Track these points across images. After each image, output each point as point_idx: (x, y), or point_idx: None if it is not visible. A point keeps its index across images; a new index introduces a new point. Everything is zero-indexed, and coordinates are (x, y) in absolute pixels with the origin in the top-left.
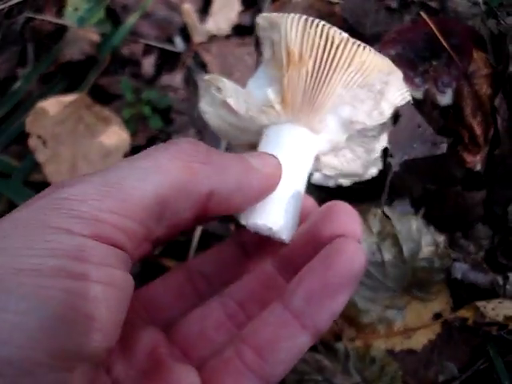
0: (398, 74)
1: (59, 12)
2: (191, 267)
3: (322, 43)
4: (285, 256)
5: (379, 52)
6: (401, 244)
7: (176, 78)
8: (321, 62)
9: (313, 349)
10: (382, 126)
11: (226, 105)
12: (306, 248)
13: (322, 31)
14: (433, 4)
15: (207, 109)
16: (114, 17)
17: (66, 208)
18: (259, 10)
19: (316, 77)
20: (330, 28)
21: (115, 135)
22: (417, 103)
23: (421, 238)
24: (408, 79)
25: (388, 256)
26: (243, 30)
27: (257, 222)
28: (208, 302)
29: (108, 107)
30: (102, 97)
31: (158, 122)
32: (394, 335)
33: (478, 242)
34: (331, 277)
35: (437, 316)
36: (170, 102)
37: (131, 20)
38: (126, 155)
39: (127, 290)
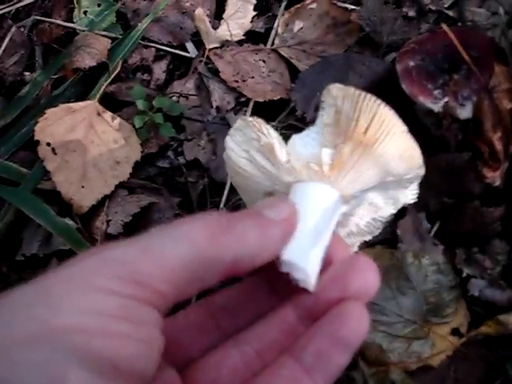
0: (422, 171)
1: (68, 15)
2: (214, 301)
3: (386, 129)
4: (308, 305)
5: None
6: (405, 272)
7: (188, 84)
8: (380, 144)
9: None
10: None
11: (264, 149)
12: (328, 300)
13: (390, 119)
14: (450, 13)
15: (234, 146)
16: (125, 21)
17: (108, 269)
18: (273, 16)
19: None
20: (396, 119)
21: (126, 143)
22: (436, 116)
23: (421, 260)
24: (427, 92)
25: (397, 287)
26: (256, 36)
27: (295, 261)
28: (226, 347)
29: (119, 114)
30: (113, 103)
31: (170, 130)
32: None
33: (494, 257)
34: (340, 337)
35: (454, 331)
36: (181, 109)
37: (143, 25)
38: (137, 164)
39: (161, 348)
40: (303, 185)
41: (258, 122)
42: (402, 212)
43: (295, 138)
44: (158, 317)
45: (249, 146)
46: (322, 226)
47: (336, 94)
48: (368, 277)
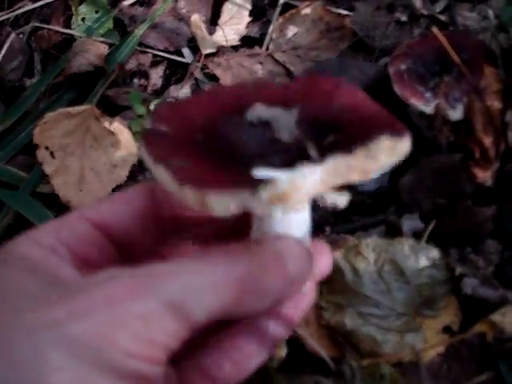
0: None
1: (67, 22)
2: None
3: None
4: None
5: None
6: (400, 265)
7: (184, 89)
8: None
9: (316, 372)
10: None
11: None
12: None
13: None
14: (442, 17)
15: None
16: (122, 27)
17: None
18: (268, 21)
19: None
20: None
21: (123, 147)
22: (428, 118)
23: (417, 254)
24: (419, 94)
25: (391, 281)
26: (252, 41)
27: None
28: None
29: (116, 118)
30: (110, 108)
31: None
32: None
33: (487, 256)
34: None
35: (446, 329)
36: None
37: (139, 31)
38: (134, 167)
39: None
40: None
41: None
42: (402, 206)
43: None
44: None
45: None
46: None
47: None
48: (324, 262)
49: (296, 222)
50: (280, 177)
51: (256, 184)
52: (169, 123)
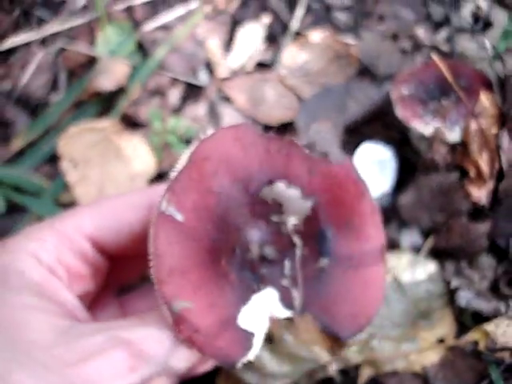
0: None
1: (91, 43)
2: None
3: None
4: None
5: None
6: (398, 278)
7: (199, 110)
8: None
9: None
10: None
11: None
12: None
13: None
14: (443, 47)
15: None
16: (143, 50)
17: None
18: (280, 48)
19: None
20: None
21: (142, 160)
22: (428, 140)
23: (414, 268)
24: (419, 117)
25: (389, 292)
26: (264, 66)
27: None
28: None
29: (135, 134)
30: (130, 124)
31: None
32: (412, 364)
33: (482, 271)
34: None
35: (441, 340)
36: (194, 133)
37: (159, 54)
38: (152, 180)
39: None
40: None
41: None
42: (402, 222)
43: None
44: None
45: None
46: None
47: None
48: None
49: None
50: (254, 327)
51: (239, 358)
52: (184, 205)
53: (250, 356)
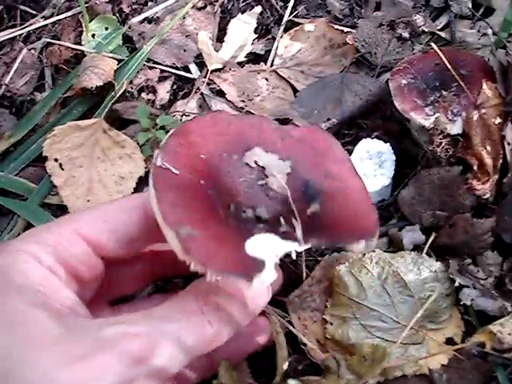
0: None
1: (77, 38)
2: None
3: None
4: None
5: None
6: (403, 278)
7: (190, 104)
8: None
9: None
10: None
11: None
12: None
13: None
14: (443, 34)
15: None
16: (131, 44)
17: None
18: (273, 38)
19: None
20: None
21: (130, 159)
22: (428, 132)
23: (419, 267)
24: (418, 108)
25: (394, 294)
26: (257, 57)
27: None
28: None
29: (124, 132)
30: (118, 122)
31: None
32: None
33: (487, 268)
34: None
35: (449, 340)
36: None
37: (147, 47)
38: (141, 179)
39: None
40: None
41: None
42: (403, 218)
43: None
44: None
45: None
46: None
47: None
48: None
49: None
50: (270, 263)
51: (251, 273)
52: (175, 161)
53: (264, 278)
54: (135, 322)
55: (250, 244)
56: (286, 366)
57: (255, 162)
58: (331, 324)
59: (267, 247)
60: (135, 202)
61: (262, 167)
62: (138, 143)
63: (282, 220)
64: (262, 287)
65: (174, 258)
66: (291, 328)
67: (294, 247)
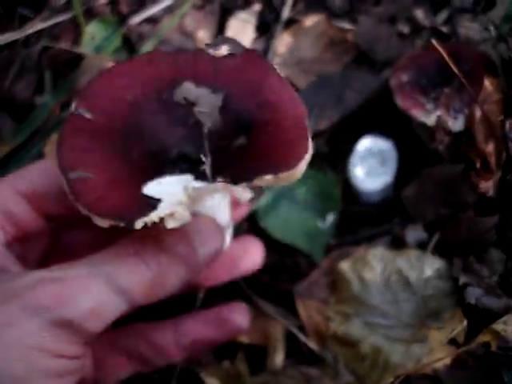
0: None
1: (76, 41)
2: None
3: None
4: None
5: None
6: (406, 276)
7: None
8: None
9: (298, 362)
10: None
11: None
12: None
13: None
14: (444, 29)
15: None
16: (130, 45)
17: None
18: (272, 36)
19: None
20: None
21: None
22: (430, 130)
23: (422, 265)
24: (420, 105)
25: (398, 291)
26: None
27: None
28: None
29: None
30: None
31: None
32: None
33: (491, 266)
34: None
35: (452, 341)
36: None
37: (147, 48)
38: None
39: None
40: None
41: None
42: (407, 216)
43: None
44: None
45: None
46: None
47: None
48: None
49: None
50: (163, 194)
51: (134, 216)
52: (93, 106)
53: (154, 217)
54: (60, 268)
55: (150, 185)
56: (279, 363)
57: (184, 99)
58: (334, 320)
59: (171, 187)
60: None
61: (192, 103)
62: None
63: (203, 158)
64: (209, 229)
65: None
66: (292, 329)
67: (201, 184)
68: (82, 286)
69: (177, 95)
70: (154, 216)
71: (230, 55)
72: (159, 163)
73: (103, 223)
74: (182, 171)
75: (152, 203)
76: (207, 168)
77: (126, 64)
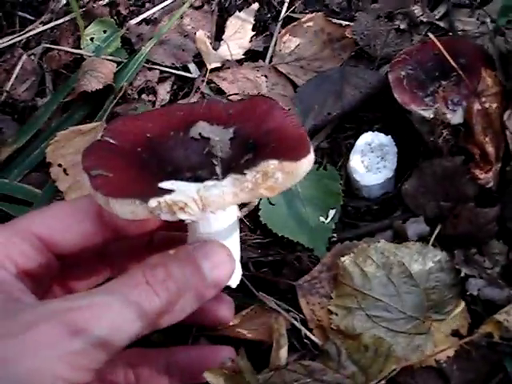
0: None
1: (76, 42)
2: None
3: None
4: None
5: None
6: (408, 268)
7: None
8: None
9: (301, 357)
10: None
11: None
12: None
13: None
14: (441, 23)
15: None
16: (129, 45)
17: None
18: (271, 35)
19: None
20: None
21: None
22: (430, 123)
23: (424, 257)
24: (418, 99)
25: (400, 284)
26: (256, 54)
27: None
28: None
29: None
30: None
31: None
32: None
33: (493, 257)
34: None
35: (455, 332)
36: None
37: (146, 48)
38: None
39: None
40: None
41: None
42: (408, 210)
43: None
44: None
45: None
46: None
47: None
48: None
49: (220, 231)
50: (177, 189)
51: (150, 195)
52: (117, 136)
53: (167, 199)
54: (78, 297)
55: (164, 183)
56: (283, 359)
57: (199, 134)
58: (336, 315)
59: (184, 186)
60: (89, 203)
61: (207, 138)
62: None
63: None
64: (220, 257)
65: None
66: (294, 322)
67: (211, 183)
68: (105, 308)
69: (192, 132)
70: (167, 198)
71: (240, 100)
72: (174, 177)
73: (121, 209)
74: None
75: (166, 191)
76: (218, 169)
77: (146, 112)
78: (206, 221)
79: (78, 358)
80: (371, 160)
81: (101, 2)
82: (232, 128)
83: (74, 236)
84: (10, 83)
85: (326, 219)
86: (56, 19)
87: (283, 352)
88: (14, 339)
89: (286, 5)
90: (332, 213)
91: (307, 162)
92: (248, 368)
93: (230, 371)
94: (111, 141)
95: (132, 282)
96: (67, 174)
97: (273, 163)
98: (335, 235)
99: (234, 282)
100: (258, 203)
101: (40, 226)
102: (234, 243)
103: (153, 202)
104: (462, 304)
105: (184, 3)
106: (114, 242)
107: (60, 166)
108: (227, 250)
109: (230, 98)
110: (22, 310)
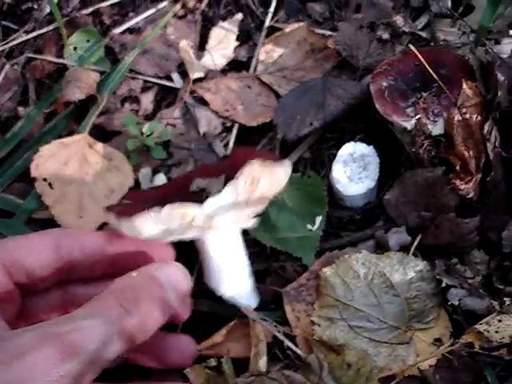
0: None
1: (59, 52)
2: None
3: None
4: None
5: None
6: (389, 278)
7: (174, 113)
8: None
9: (283, 367)
10: None
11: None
12: None
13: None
14: (423, 34)
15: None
16: (113, 55)
17: None
18: (254, 45)
19: None
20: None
21: (119, 171)
22: (410, 134)
23: (405, 267)
24: (399, 110)
25: (381, 294)
26: (239, 65)
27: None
28: None
29: (109, 144)
30: (103, 134)
31: (161, 153)
32: (409, 368)
33: (474, 267)
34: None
35: (437, 340)
36: (170, 136)
37: (129, 58)
38: (131, 189)
39: None
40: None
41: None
42: (390, 220)
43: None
44: None
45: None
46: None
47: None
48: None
49: (224, 248)
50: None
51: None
52: (131, 199)
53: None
54: (63, 321)
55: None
56: (263, 365)
57: (197, 187)
58: (319, 325)
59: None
60: (48, 238)
61: (203, 188)
62: (124, 154)
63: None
64: (175, 274)
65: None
66: (277, 334)
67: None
68: (91, 329)
69: (191, 187)
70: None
71: (225, 157)
72: None
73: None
74: None
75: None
76: (214, 190)
77: (154, 187)
78: (212, 239)
79: (70, 380)
80: (353, 170)
81: (84, 12)
82: (222, 177)
83: (32, 264)
84: None
85: (313, 226)
86: (39, 28)
87: (262, 358)
88: (7, 366)
89: (269, 15)
90: (319, 220)
91: (285, 171)
92: (231, 372)
93: (212, 372)
94: (127, 201)
95: (108, 305)
96: (52, 188)
97: (256, 164)
98: (317, 245)
99: (252, 303)
100: None
101: (5, 255)
102: (240, 261)
103: (166, 210)
104: (444, 313)
105: (167, 13)
106: (69, 273)
107: (45, 180)
108: (181, 268)
109: (214, 110)
110: (10, 337)
